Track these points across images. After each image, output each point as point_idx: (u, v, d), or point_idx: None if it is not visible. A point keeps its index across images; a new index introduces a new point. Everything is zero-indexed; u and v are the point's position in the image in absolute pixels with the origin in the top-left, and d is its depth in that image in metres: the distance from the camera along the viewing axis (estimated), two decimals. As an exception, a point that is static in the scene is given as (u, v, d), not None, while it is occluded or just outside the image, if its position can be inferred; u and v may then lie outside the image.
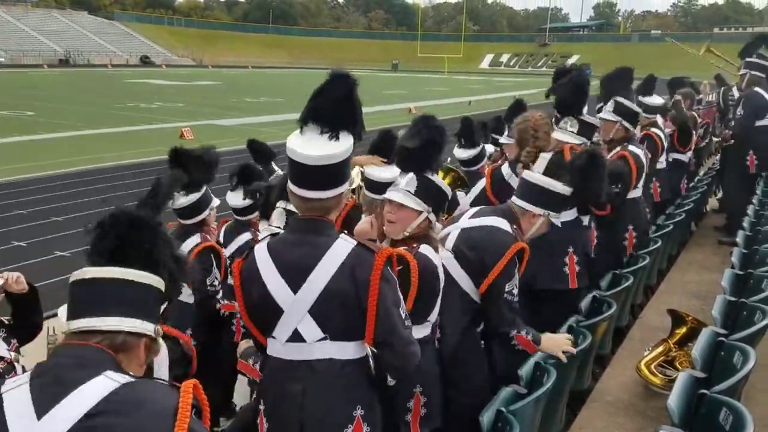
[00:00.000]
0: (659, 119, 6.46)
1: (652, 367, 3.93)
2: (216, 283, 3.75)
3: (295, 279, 2.20)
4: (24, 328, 3.04)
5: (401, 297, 2.30)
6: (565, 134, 4.36)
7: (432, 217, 2.86)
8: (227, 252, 4.18)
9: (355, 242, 2.25)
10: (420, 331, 2.68)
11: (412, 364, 2.29)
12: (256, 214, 4.33)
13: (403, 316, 2.28)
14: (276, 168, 5.34)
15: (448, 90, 43.73)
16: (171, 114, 25.93)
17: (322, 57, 72.03)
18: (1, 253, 8.93)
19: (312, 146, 2.16)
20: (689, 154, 7.38)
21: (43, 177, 13.84)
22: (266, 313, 2.27)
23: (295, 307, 2.20)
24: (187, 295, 3.83)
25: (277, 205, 2.76)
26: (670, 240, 5.96)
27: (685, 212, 6.32)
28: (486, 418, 2.58)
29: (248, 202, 4.33)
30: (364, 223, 3.43)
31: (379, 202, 3.93)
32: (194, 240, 3.76)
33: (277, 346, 2.27)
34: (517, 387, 2.91)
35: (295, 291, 2.20)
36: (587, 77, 4.58)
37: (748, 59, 7.02)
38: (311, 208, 2.24)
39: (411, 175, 2.83)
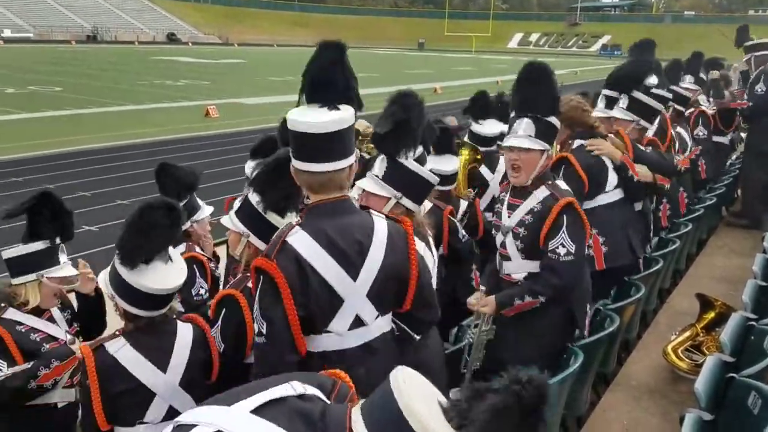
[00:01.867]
0: (702, 98, 6.45)
1: (679, 351, 3.88)
2: (202, 292, 3.74)
3: (352, 263, 2.09)
4: (84, 329, 3.17)
5: None
6: (618, 111, 4.46)
7: (407, 202, 2.77)
8: None
9: (383, 215, 2.26)
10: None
11: (438, 317, 2.38)
12: None
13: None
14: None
15: (475, 70, 43.26)
16: (196, 92, 26.04)
17: (347, 35, 71.00)
18: (31, 226, 9.07)
19: (318, 114, 2.07)
20: (731, 135, 7.25)
21: (71, 152, 14.00)
22: (323, 307, 2.09)
23: (356, 292, 2.11)
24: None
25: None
26: (700, 224, 5.86)
27: (716, 196, 6.20)
28: (510, 397, 2.56)
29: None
30: None
31: None
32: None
33: (334, 339, 2.13)
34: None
35: (354, 277, 2.10)
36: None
37: (746, 44, 7.10)
38: (325, 183, 2.09)
39: (381, 157, 2.78)
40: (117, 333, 2.41)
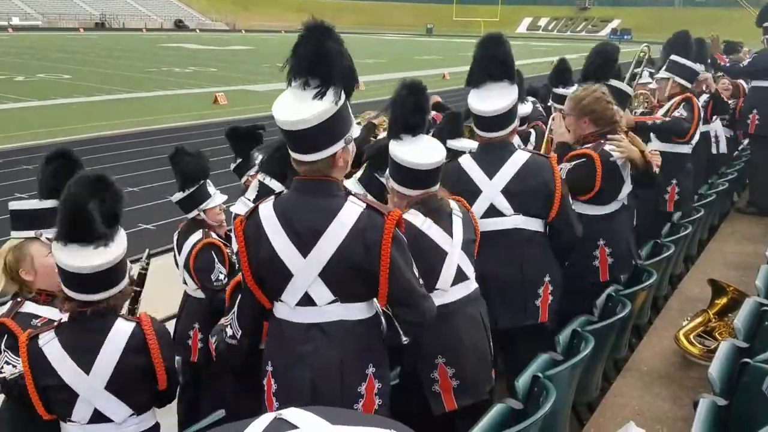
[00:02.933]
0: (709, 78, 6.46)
1: (691, 337, 3.87)
2: (221, 277, 3.78)
3: (304, 243, 2.15)
4: None
5: (411, 257, 2.27)
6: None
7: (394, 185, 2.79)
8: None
9: (364, 204, 2.21)
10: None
11: (429, 318, 2.28)
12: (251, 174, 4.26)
13: (417, 273, 2.27)
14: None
15: (482, 55, 42.94)
16: (204, 79, 26.03)
17: (355, 21, 71.32)
18: (42, 213, 9.11)
19: (293, 110, 2.10)
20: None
21: (80, 140, 14.05)
22: (274, 276, 2.21)
23: (306, 270, 2.16)
24: (193, 289, 3.87)
25: (258, 177, 2.72)
26: (712, 210, 5.82)
27: (728, 182, 6.15)
28: (521, 382, 2.56)
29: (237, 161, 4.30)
30: None
31: None
32: (196, 236, 3.81)
33: (286, 310, 2.24)
34: (553, 353, 2.88)
35: (304, 255, 2.15)
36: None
37: (765, 24, 6.92)
38: (309, 170, 2.20)
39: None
40: (55, 323, 2.33)
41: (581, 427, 3.25)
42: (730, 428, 2.32)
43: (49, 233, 2.67)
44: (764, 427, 2.06)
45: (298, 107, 2.10)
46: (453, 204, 2.85)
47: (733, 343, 2.81)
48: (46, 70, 26.47)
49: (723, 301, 3.99)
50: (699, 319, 3.97)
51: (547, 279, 3.21)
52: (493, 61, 3.15)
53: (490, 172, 3.17)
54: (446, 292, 2.71)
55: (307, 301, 2.20)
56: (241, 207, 2.72)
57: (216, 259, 3.76)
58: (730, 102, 7.00)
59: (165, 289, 4.69)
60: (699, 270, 5.29)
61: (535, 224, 3.20)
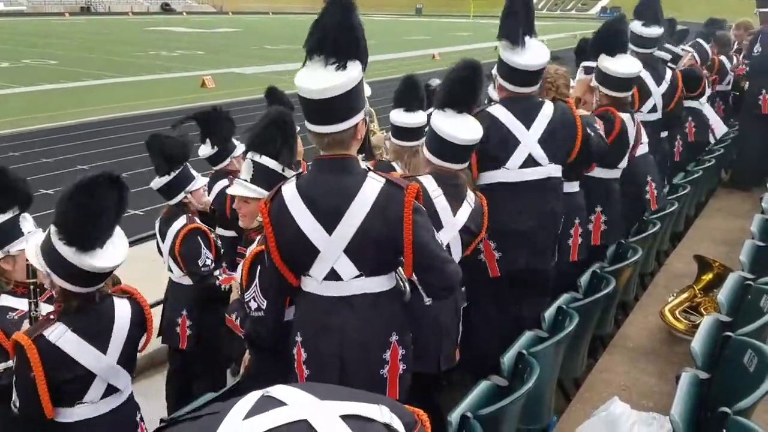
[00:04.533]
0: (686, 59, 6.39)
1: (677, 312, 3.90)
2: (208, 262, 3.74)
3: (329, 221, 2.22)
4: None
5: (432, 225, 2.33)
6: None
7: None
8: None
9: (383, 179, 2.26)
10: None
11: (456, 281, 2.35)
12: (231, 161, 4.19)
13: (439, 240, 2.34)
14: None
15: (473, 35, 42.75)
16: (192, 62, 25.80)
17: (343, 2, 70.39)
18: (30, 200, 9.07)
19: (318, 79, 2.14)
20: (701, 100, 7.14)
21: (68, 125, 13.94)
22: (301, 253, 2.28)
23: (331, 247, 2.23)
24: (179, 276, 3.83)
25: (247, 156, 2.70)
26: (698, 187, 5.84)
27: (714, 158, 6.17)
28: (507, 359, 2.58)
29: (215, 150, 4.16)
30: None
31: (408, 149, 3.91)
32: (180, 222, 3.73)
33: (314, 284, 2.32)
34: (538, 330, 2.90)
35: (329, 232, 2.22)
36: None
37: None
38: (329, 143, 2.23)
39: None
40: (52, 317, 2.33)
41: (568, 403, 3.29)
42: (712, 401, 2.34)
43: (14, 246, 2.72)
44: (745, 399, 2.09)
45: (324, 77, 2.14)
46: (470, 193, 2.95)
47: (716, 317, 2.84)
48: (32, 56, 26.14)
49: (708, 276, 4.02)
50: (685, 295, 4.00)
51: (576, 221, 3.63)
52: (529, 16, 3.23)
53: (527, 122, 3.26)
54: None
55: (333, 275, 2.27)
56: (239, 189, 2.69)
57: (202, 244, 3.73)
58: (712, 78, 6.96)
59: (150, 275, 4.69)
60: (686, 246, 5.32)
61: (559, 171, 3.38)
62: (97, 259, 2.25)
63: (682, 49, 6.33)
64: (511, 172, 3.25)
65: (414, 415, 1.14)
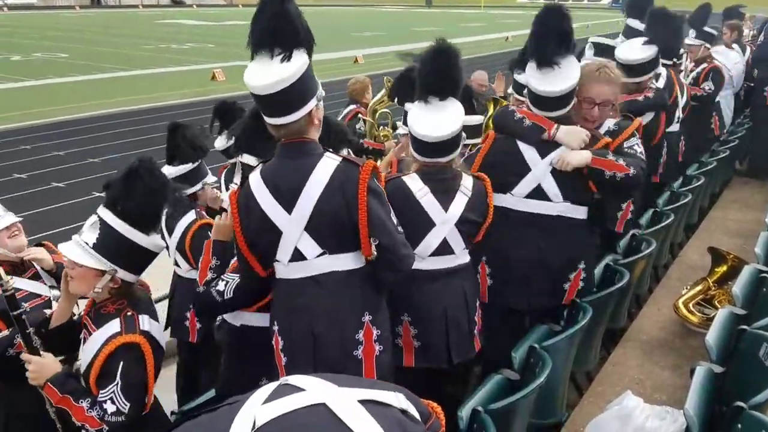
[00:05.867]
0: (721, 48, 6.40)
1: (691, 305, 3.87)
2: None
3: (287, 200, 2.27)
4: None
5: (390, 207, 2.36)
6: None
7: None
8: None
9: (340, 158, 2.31)
10: None
11: (409, 265, 2.37)
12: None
13: (395, 222, 2.34)
14: None
15: (484, 26, 42.46)
16: (202, 55, 25.79)
17: (353, -6, 70.52)
18: (41, 194, 9.12)
19: (266, 74, 2.18)
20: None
21: (79, 119, 13.98)
22: (266, 238, 2.32)
23: (292, 226, 2.28)
24: (185, 271, 3.79)
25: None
26: (712, 178, 5.78)
27: (729, 149, 6.10)
28: (518, 354, 2.57)
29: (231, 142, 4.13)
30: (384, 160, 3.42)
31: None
32: (189, 217, 3.67)
33: (282, 268, 2.36)
34: (552, 324, 2.88)
35: (289, 211, 2.27)
36: None
37: None
38: (286, 133, 2.29)
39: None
40: (129, 313, 2.27)
41: (580, 396, 3.27)
42: (727, 395, 2.31)
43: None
44: (760, 393, 2.06)
45: (270, 71, 2.18)
46: (467, 181, 2.80)
47: (731, 310, 2.80)
48: (42, 50, 26.22)
49: (723, 269, 3.98)
50: (698, 288, 3.97)
51: (581, 266, 3.08)
52: (557, 35, 3.03)
53: (542, 151, 3.00)
54: (423, 260, 2.72)
55: (298, 256, 2.31)
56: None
57: None
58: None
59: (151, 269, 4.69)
60: (700, 238, 5.27)
61: (580, 212, 3.04)
62: (158, 240, 2.38)
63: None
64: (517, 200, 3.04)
65: (428, 407, 1.16)
